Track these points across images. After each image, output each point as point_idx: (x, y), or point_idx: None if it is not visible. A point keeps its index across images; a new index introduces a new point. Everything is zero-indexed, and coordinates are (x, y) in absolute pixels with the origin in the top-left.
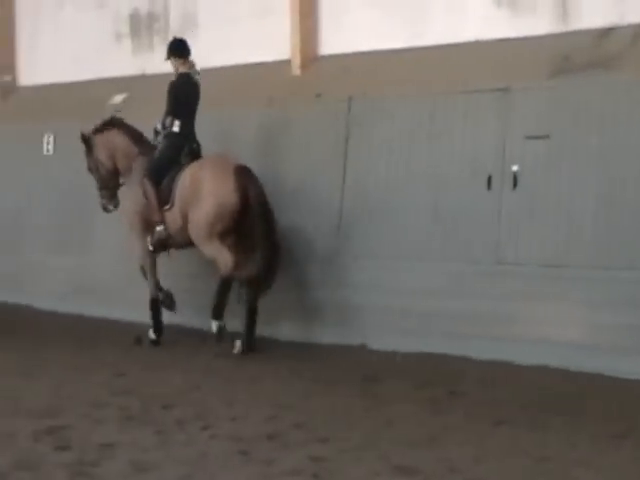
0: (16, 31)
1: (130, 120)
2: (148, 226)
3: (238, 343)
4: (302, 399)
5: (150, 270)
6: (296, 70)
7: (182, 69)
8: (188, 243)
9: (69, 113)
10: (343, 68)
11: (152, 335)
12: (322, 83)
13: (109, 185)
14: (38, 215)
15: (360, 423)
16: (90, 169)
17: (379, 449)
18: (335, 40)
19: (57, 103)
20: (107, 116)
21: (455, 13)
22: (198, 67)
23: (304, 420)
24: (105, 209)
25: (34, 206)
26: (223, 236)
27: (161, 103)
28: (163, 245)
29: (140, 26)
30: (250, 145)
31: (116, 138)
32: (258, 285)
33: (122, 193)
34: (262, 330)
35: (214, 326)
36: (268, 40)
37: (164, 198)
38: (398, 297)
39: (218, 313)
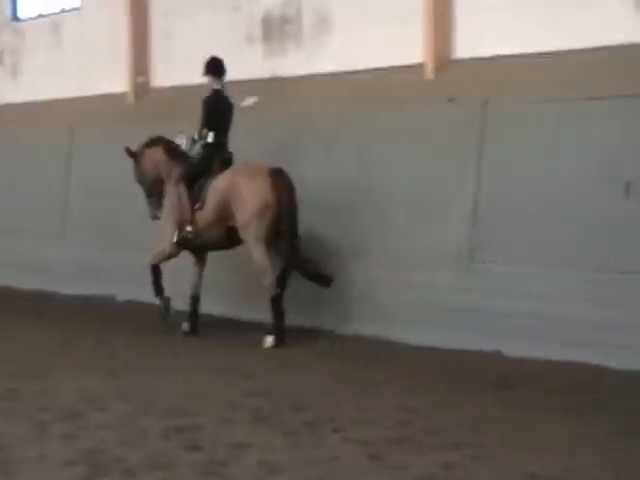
0: (151, 33)
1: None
2: (179, 226)
3: (269, 339)
4: (433, 404)
5: (162, 258)
6: (429, 74)
7: (216, 86)
8: (216, 242)
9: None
10: (477, 72)
11: (185, 327)
12: (455, 87)
13: (155, 193)
14: None
15: (492, 429)
16: (138, 180)
17: (512, 456)
18: (469, 43)
19: (190, 105)
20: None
21: (593, 15)
22: (330, 69)
23: (435, 425)
24: (154, 217)
25: None
26: (268, 239)
27: (292, 106)
28: (187, 243)
29: (272, 30)
30: (382, 148)
31: (158, 152)
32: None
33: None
34: (393, 334)
35: (268, 342)
36: (401, 43)
37: (196, 199)
38: (531, 303)
39: (280, 329)
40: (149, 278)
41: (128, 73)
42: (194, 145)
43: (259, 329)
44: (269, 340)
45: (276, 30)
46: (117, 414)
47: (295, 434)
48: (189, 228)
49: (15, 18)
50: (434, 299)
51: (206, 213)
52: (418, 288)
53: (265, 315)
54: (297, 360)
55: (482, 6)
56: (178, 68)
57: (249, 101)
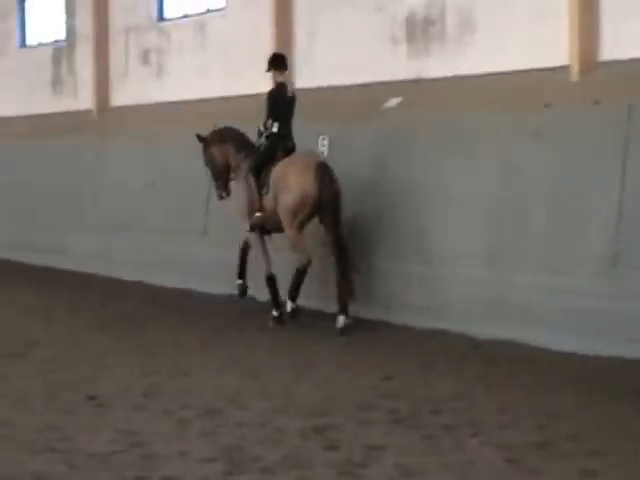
0: (294, 33)
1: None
2: (250, 213)
3: (341, 319)
4: (572, 409)
5: (261, 249)
6: (575, 76)
7: (279, 79)
8: (281, 228)
9: (344, 116)
10: (623, 75)
11: (274, 313)
12: (601, 89)
13: (222, 177)
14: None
15: (634, 437)
16: (207, 163)
17: None
18: (615, 46)
19: (332, 105)
20: (379, 119)
21: None
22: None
23: (574, 431)
24: (220, 197)
25: None
26: (304, 223)
27: (436, 108)
28: (261, 227)
29: (416, 30)
30: (525, 150)
31: (227, 140)
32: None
33: (233, 185)
34: (531, 338)
35: (289, 306)
36: (545, 45)
37: (262, 185)
38: None
39: (293, 296)
40: (289, 279)
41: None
42: (260, 136)
43: (383, 328)
44: (341, 320)
45: (420, 31)
46: (256, 412)
47: (433, 437)
48: (258, 214)
49: (161, 18)
50: (575, 303)
51: (269, 198)
52: (558, 292)
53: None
54: (436, 363)
55: (628, 9)
56: (320, 69)
57: (392, 102)
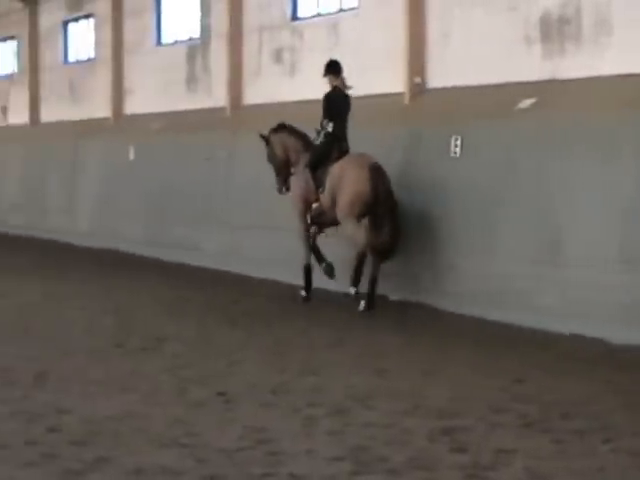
0: (427, 33)
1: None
2: (307, 206)
3: (362, 303)
4: None
5: (305, 241)
6: None
7: (335, 83)
8: (335, 221)
9: (476, 116)
10: None
11: (302, 293)
12: None
13: (282, 173)
14: (442, 217)
15: None
16: (269, 159)
17: None
18: None
19: (465, 105)
20: (512, 120)
21: None
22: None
23: None
24: (280, 192)
25: (439, 208)
26: (359, 217)
27: (571, 109)
28: (319, 220)
29: (551, 30)
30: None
31: (287, 137)
32: (381, 258)
33: (292, 180)
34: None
35: (352, 291)
36: None
37: (319, 183)
38: None
39: (356, 281)
40: (422, 279)
41: (404, 73)
42: (318, 135)
43: (515, 331)
44: (362, 304)
45: (554, 30)
46: (384, 413)
47: (563, 442)
48: (315, 204)
49: (294, 17)
50: None
51: (326, 196)
52: None
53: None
54: (569, 366)
55: None
56: (453, 69)
57: (526, 103)
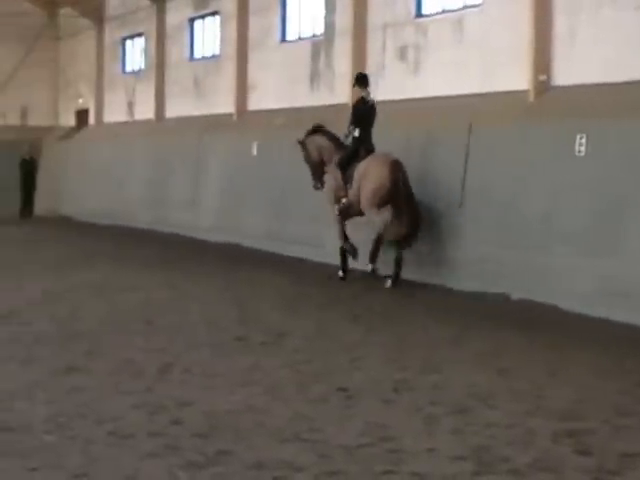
0: (553, 30)
1: None
2: (338, 199)
3: (389, 281)
4: None
5: (339, 229)
6: None
7: (362, 94)
8: (361, 213)
9: (602, 114)
10: None
11: (340, 274)
12: None
13: (317, 171)
14: (567, 217)
15: None
16: (305, 160)
17: None
18: None
19: (591, 103)
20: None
21: None
22: None
23: None
24: (316, 188)
25: (563, 208)
26: (380, 206)
27: None
28: (346, 212)
29: None
30: None
31: (321, 140)
32: (403, 242)
33: (325, 177)
34: None
35: (369, 268)
36: None
37: (347, 180)
38: None
39: (373, 259)
40: (546, 278)
41: (529, 71)
42: (347, 138)
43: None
44: (388, 282)
45: None
46: (506, 413)
47: None
48: (343, 200)
49: (419, 14)
50: None
51: (353, 190)
52: None
53: None
54: None
55: None
56: (579, 66)
57: None
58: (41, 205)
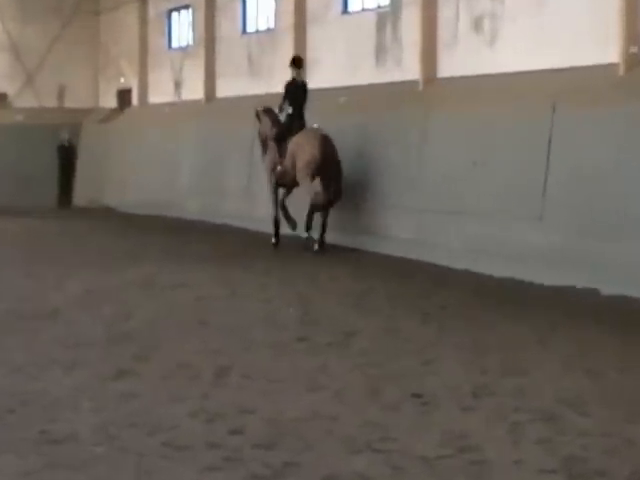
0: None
1: None
2: (272, 170)
3: (316, 245)
4: None
5: (273, 199)
6: None
7: (294, 75)
8: (294, 183)
9: None
10: None
11: (273, 240)
12: None
13: (265, 145)
14: None
15: None
16: (258, 134)
17: None
18: None
19: None
20: None
21: None
22: None
23: None
24: (263, 161)
25: None
26: (312, 177)
27: None
28: (282, 181)
29: None
30: None
31: (264, 117)
32: (327, 208)
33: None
34: None
35: (305, 235)
36: None
37: (282, 153)
38: None
39: (308, 226)
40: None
41: (619, 42)
42: (281, 115)
43: None
44: (316, 246)
45: None
46: (600, 420)
47: None
48: (279, 168)
49: None
50: None
51: (287, 162)
52: None
53: None
54: None
55: None
56: None
57: None
58: (81, 194)
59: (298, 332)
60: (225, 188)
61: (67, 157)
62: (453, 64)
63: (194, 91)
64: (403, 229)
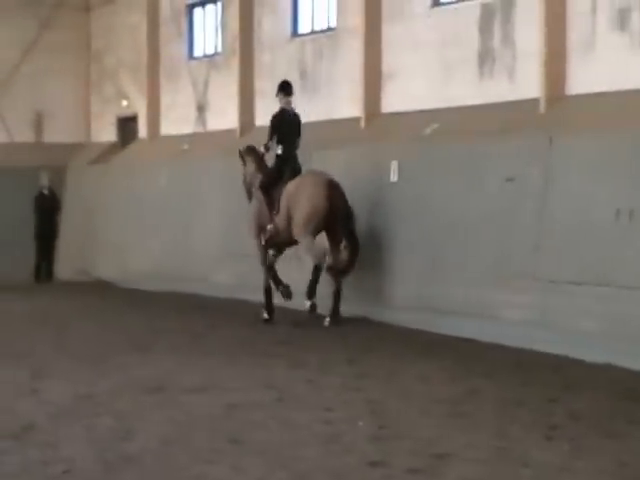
0: None
1: None
2: (262, 228)
3: (327, 319)
4: None
5: (264, 264)
6: None
7: (282, 104)
8: (291, 241)
9: None
10: None
11: (265, 315)
12: None
13: (250, 194)
14: None
15: None
16: (243, 181)
17: None
18: None
19: None
20: None
21: None
22: None
23: None
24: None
25: None
26: (315, 233)
27: None
28: (273, 242)
29: None
30: None
31: (248, 158)
32: (342, 273)
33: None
34: None
35: (307, 304)
36: None
37: (273, 205)
38: None
39: (311, 294)
40: None
41: None
42: (267, 152)
43: None
44: (327, 320)
45: None
46: None
47: None
48: (270, 227)
49: None
50: None
51: (281, 216)
52: None
53: None
54: None
55: None
56: None
57: None
58: (65, 263)
59: (370, 454)
60: None
61: (48, 211)
62: (588, 75)
63: (224, 117)
64: (519, 307)
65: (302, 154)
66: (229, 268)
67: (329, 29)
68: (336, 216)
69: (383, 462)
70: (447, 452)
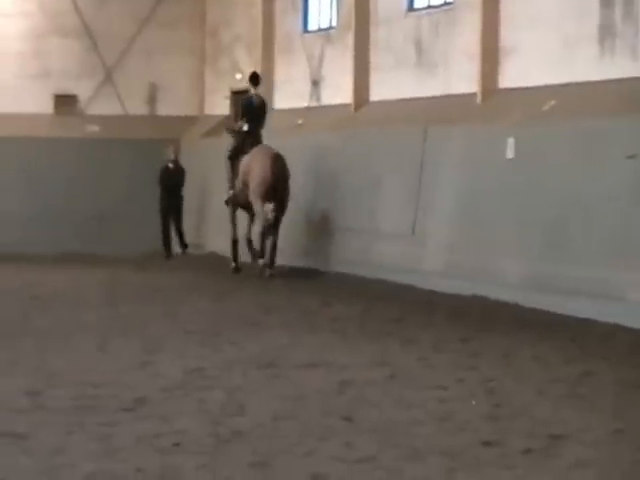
0: None
1: None
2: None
3: (268, 270)
4: None
5: (231, 221)
6: None
7: (252, 91)
8: (247, 203)
9: None
10: None
11: (232, 265)
12: None
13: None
14: None
15: None
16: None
17: None
18: None
19: None
20: None
21: None
22: None
23: None
24: None
25: None
26: (265, 199)
27: None
28: (236, 201)
29: None
30: None
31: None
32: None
33: None
34: None
35: (260, 262)
36: None
37: (236, 172)
38: None
39: (262, 252)
40: None
41: None
42: (239, 133)
43: None
44: (268, 271)
45: None
46: None
47: None
48: (230, 191)
49: None
50: None
51: (239, 181)
52: None
53: None
54: None
55: None
56: None
57: None
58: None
59: (483, 434)
60: (380, 228)
61: (175, 186)
62: None
63: (339, 92)
64: None
65: (415, 129)
66: (338, 245)
67: (446, 3)
68: (278, 184)
69: (497, 441)
70: (563, 433)
